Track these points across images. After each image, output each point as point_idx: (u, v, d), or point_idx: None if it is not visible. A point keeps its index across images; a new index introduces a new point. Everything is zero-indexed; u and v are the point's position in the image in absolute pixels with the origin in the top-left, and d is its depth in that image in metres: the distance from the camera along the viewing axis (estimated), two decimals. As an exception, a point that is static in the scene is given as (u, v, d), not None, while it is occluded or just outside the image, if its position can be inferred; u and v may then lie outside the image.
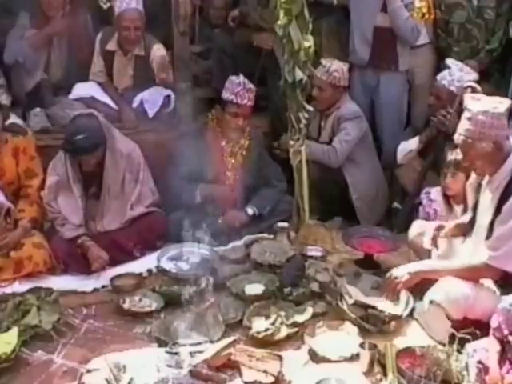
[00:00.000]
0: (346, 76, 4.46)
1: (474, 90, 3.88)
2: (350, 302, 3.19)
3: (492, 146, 2.92)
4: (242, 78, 4.07)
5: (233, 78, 4.08)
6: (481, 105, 2.94)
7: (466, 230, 3.30)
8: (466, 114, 2.98)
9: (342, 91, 4.47)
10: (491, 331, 2.71)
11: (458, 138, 3.02)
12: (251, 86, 4.08)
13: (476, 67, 4.39)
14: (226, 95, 4.05)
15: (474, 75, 4.07)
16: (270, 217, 4.14)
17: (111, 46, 4.60)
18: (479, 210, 3.14)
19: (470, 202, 3.28)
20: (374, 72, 4.75)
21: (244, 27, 4.96)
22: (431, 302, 3.05)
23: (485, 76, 4.50)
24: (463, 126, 2.98)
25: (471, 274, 3.02)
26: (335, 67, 4.38)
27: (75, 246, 3.71)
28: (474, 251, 3.09)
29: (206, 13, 5.23)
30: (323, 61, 4.42)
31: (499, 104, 2.95)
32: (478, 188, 3.16)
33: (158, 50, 4.55)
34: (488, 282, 3.06)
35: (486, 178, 3.09)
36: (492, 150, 2.93)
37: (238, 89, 4.02)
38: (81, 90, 4.62)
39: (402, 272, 3.12)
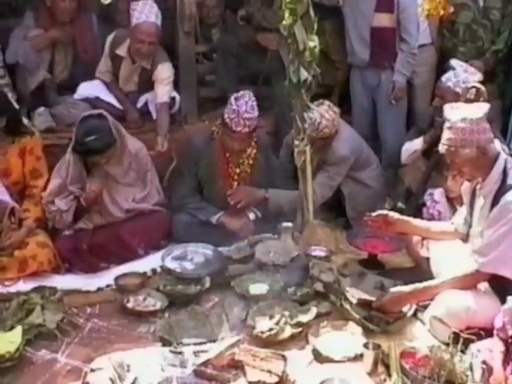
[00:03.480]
0: (337, 123, 4.20)
1: (478, 91, 3.89)
2: (354, 301, 3.18)
3: (476, 150, 2.97)
4: (242, 101, 3.84)
5: (233, 99, 3.86)
6: (459, 113, 3.00)
7: (455, 234, 3.35)
8: (446, 124, 3.04)
9: (334, 136, 4.22)
10: (495, 331, 2.71)
11: (441, 147, 3.07)
12: (249, 114, 3.83)
13: (481, 67, 4.40)
14: (224, 115, 3.87)
15: (479, 76, 4.06)
16: (274, 219, 4.11)
17: (121, 51, 4.57)
18: (474, 216, 3.17)
19: (465, 205, 3.30)
20: (375, 72, 4.77)
21: (249, 27, 4.96)
22: (432, 317, 3.06)
23: (490, 77, 4.51)
24: (445, 135, 3.04)
25: (466, 284, 3.04)
26: (325, 123, 4.10)
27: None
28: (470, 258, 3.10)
29: (200, 12, 5.20)
30: (312, 114, 4.01)
31: (477, 109, 3.02)
32: (473, 193, 3.19)
33: (162, 72, 4.49)
34: (487, 289, 3.06)
35: (479, 184, 3.12)
36: (477, 154, 2.97)
37: (233, 116, 3.82)
38: (86, 89, 4.63)
39: (397, 292, 3.13)
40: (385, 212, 3.50)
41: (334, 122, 4.19)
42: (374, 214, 3.50)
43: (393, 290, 3.16)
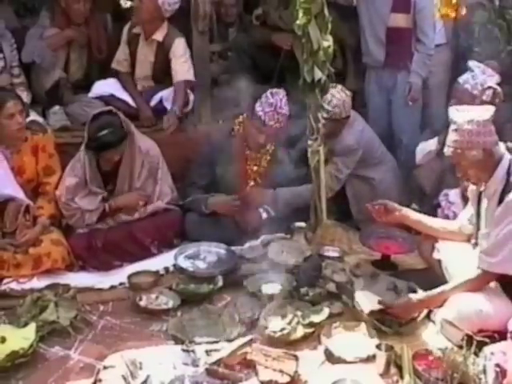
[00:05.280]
0: (348, 106, 4.25)
1: (494, 92, 3.86)
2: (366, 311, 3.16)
3: (482, 153, 2.96)
4: (277, 97, 3.91)
5: (269, 94, 3.92)
6: (466, 115, 2.99)
7: (453, 233, 3.35)
8: (452, 127, 3.03)
9: (345, 122, 4.28)
10: (509, 334, 2.69)
11: (447, 150, 3.06)
12: (283, 110, 3.91)
13: (497, 68, 4.36)
14: (257, 108, 3.92)
15: (496, 77, 4.04)
16: (288, 217, 4.10)
17: (137, 29, 4.62)
18: (481, 219, 3.15)
19: (472, 207, 3.28)
20: (391, 72, 4.75)
21: (263, 26, 4.95)
22: (444, 320, 3.04)
23: (506, 78, 4.47)
24: (451, 138, 3.03)
25: (476, 286, 3.02)
26: (335, 102, 4.16)
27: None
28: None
29: (218, 11, 5.20)
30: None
31: (484, 111, 3.01)
32: (480, 196, 3.16)
33: (178, 47, 4.51)
34: (499, 291, 3.04)
35: (483, 186, 3.10)
36: (483, 157, 2.96)
37: (268, 109, 3.88)
38: (100, 88, 4.65)
39: (409, 300, 3.12)
40: (386, 201, 3.52)
41: (344, 103, 4.21)
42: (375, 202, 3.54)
43: (405, 297, 3.15)
